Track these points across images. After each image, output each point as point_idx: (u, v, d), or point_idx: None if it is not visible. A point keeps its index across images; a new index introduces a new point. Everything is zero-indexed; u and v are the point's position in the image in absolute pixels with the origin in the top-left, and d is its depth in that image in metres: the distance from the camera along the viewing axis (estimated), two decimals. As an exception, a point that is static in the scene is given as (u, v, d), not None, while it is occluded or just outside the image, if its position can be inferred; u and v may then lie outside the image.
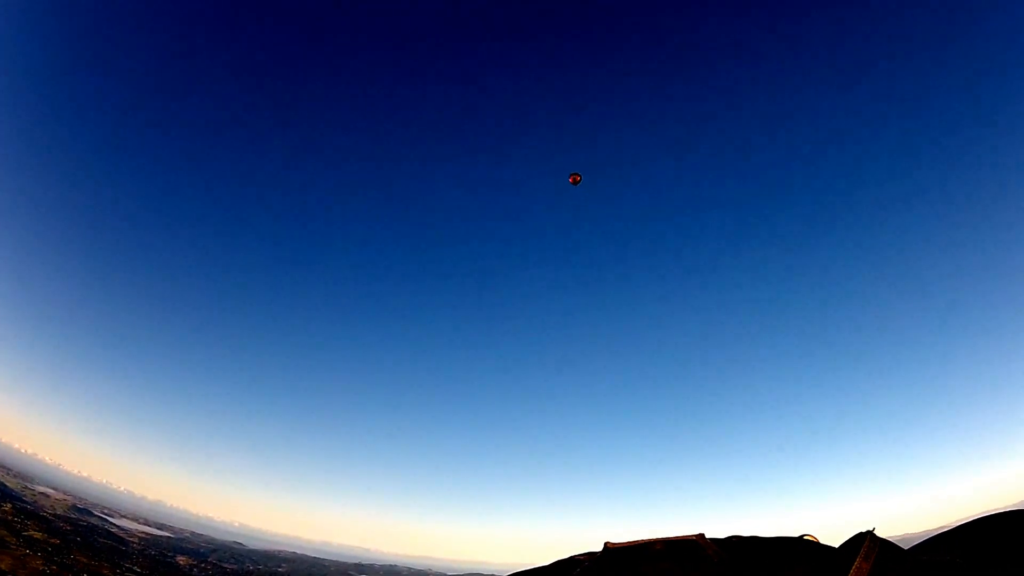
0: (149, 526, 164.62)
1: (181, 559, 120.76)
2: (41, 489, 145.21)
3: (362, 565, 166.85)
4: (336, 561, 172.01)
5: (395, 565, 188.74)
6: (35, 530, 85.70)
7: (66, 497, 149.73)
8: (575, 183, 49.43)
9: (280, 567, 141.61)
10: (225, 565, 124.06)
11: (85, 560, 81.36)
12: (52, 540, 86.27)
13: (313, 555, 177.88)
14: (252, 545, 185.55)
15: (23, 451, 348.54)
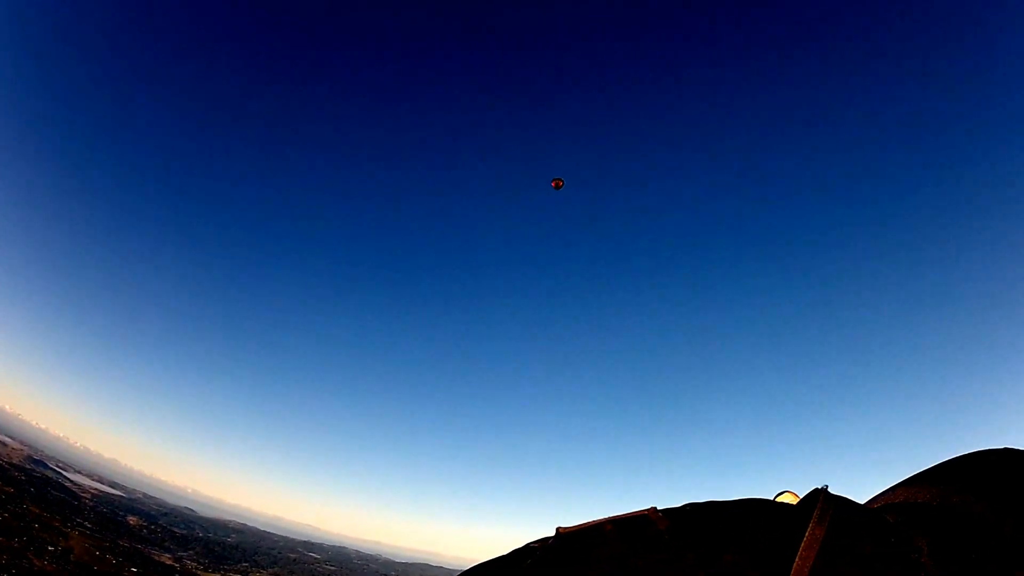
0: (103, 483, 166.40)
1: (132, 519, 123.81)
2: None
3: (311, 543, 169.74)
4: (285, 537, 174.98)
5: (344, 547, 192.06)
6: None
7: (22, 447, 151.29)
8: (557, 187, 52.31)
9: (229, 537, 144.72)
10: (175, 529, 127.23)
11: (37, 511, 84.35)
12: (6, 488, 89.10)
13: (263, 528, 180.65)
14: (203, 512, 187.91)
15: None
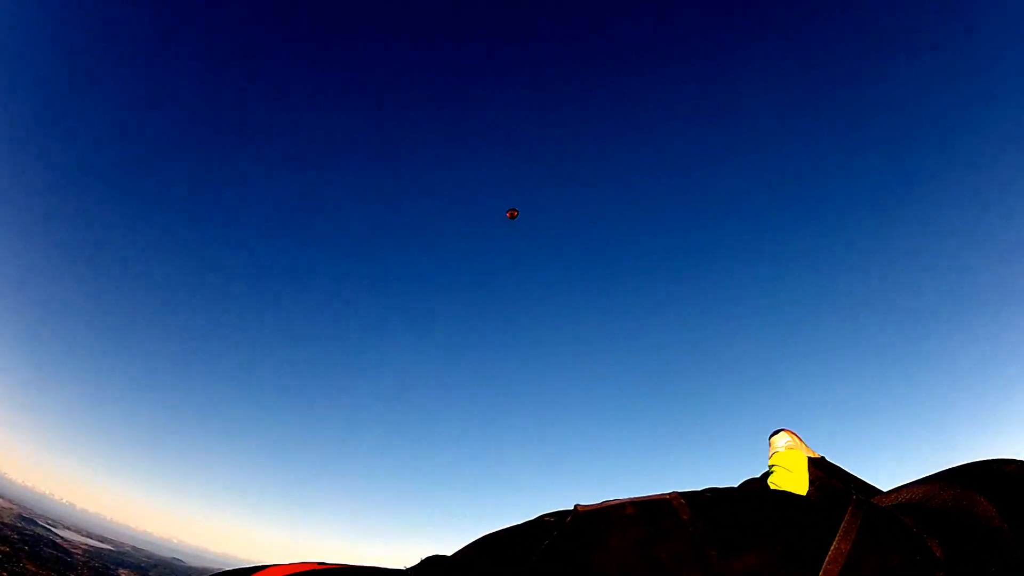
0: (91, 538, 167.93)
1: (123, 572, 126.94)
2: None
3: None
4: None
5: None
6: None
7: (12, 506, 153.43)
8: (512, 218, 56.48)
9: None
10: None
11: (34, 569, 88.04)
12: (2, 548, 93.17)
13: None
14: (191, 562, 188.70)
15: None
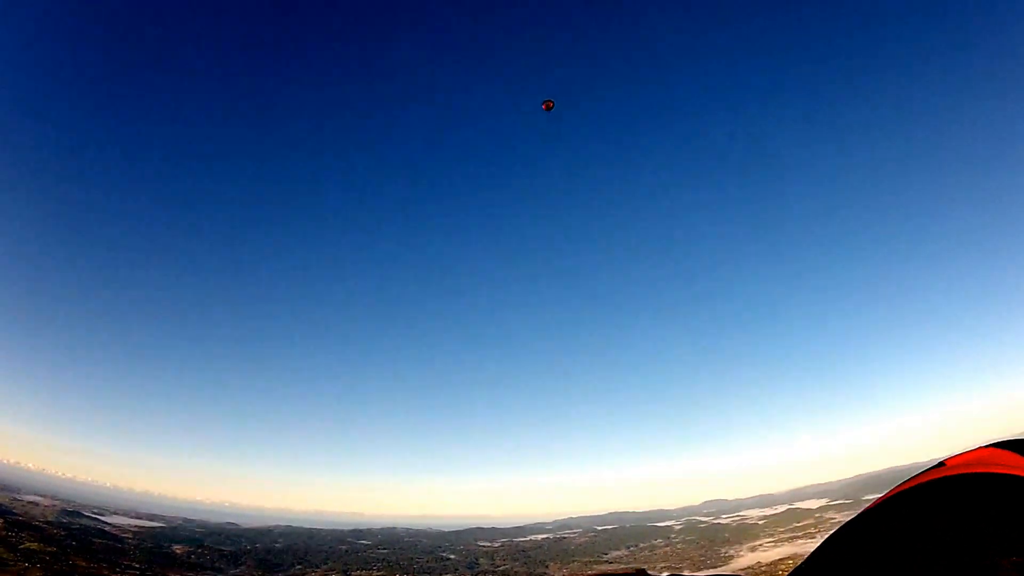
0: (141, 519, 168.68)
1: (178, 548, 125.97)
2: (30, 498, 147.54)
3: (359, 531, 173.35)
4: (332, 530, 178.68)
5: (394, 528, 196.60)
6: (30, 541, 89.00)
7: (55, 502, 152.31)
8: (548, 109, 52.41)
9: (276, 543, 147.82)
10: (222, 548, 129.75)
11: (84, 564, 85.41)
12: (49, 548, 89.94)
13: (308, 526, 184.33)
14: (245, 524, 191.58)
15: (3, 461, 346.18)
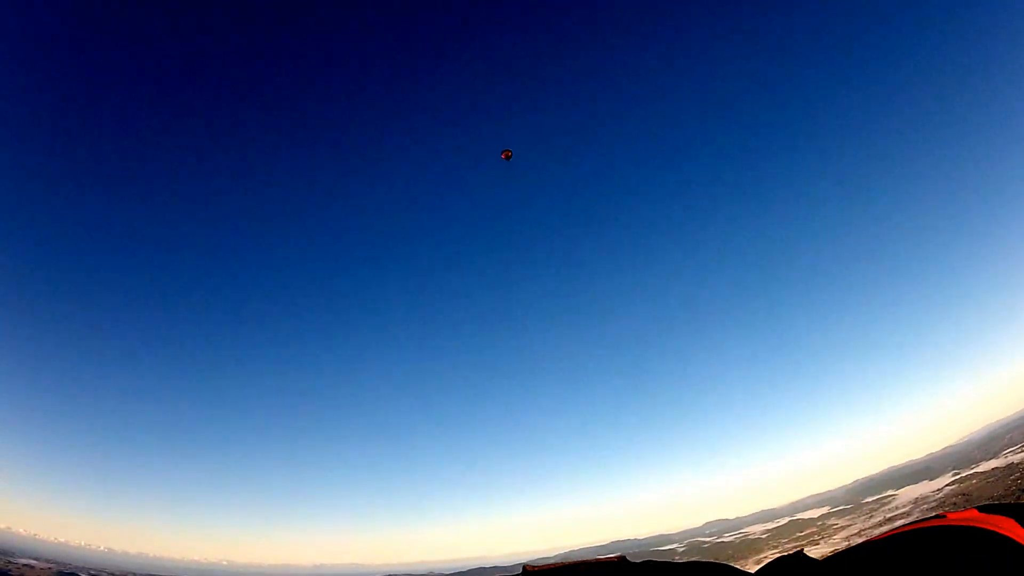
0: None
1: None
2: (24, 561, 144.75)
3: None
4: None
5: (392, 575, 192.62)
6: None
7: (49, 565, 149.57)
8: (507, 159, 52.86)
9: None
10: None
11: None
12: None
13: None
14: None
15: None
